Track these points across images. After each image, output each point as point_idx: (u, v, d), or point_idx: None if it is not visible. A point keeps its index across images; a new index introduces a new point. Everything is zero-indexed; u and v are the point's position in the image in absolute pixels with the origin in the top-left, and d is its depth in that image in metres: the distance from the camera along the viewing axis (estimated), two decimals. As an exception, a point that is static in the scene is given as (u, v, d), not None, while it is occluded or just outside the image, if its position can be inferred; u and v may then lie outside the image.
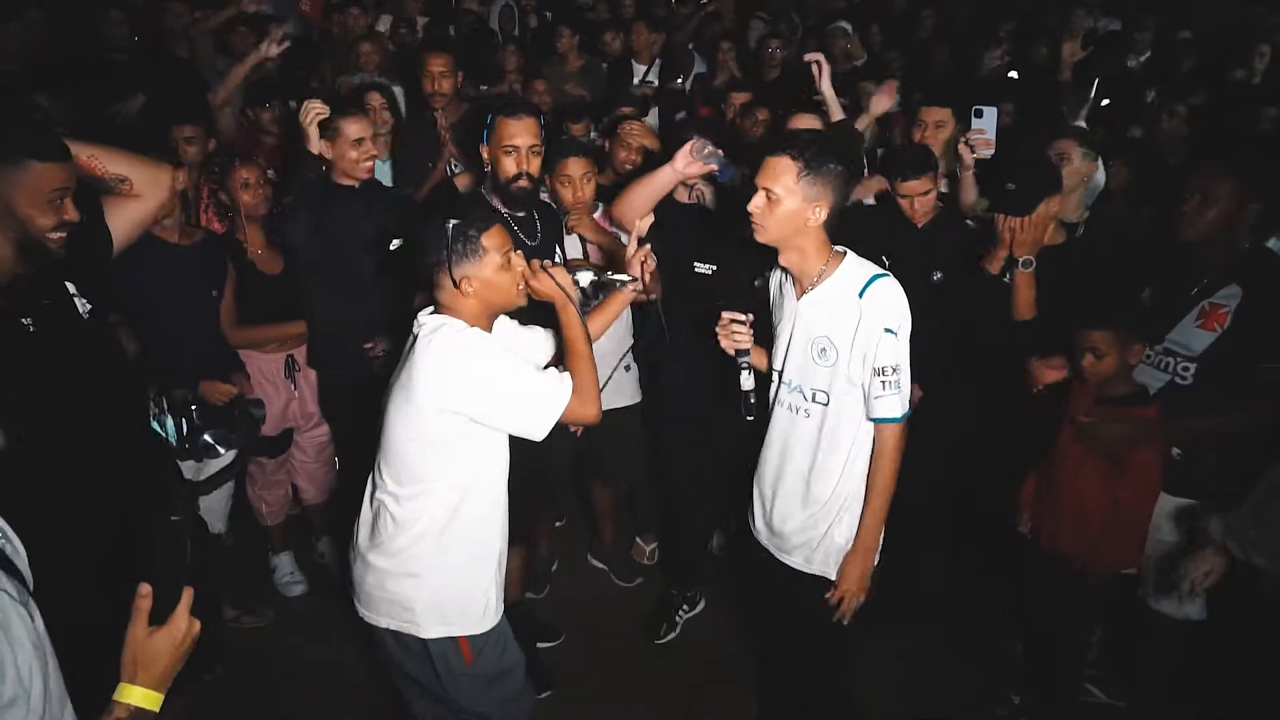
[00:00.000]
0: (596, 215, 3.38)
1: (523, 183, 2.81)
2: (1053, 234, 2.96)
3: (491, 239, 2.10)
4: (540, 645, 3.43)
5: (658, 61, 5.89)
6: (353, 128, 3.14)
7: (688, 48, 6.30)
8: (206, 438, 1.63)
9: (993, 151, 3.38)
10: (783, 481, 2.48)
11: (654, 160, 3.83)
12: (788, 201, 2.22)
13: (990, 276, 2.94)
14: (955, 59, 6.10)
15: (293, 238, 3.18)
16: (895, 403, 2.27)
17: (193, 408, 1.60)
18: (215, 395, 3.15)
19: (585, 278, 2.35)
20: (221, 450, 1.53)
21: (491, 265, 2.09)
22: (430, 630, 2.19)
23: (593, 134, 4.57)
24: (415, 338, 2.12)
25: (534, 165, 2.83)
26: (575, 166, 3.23)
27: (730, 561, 3.98)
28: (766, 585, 2.65)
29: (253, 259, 3.40)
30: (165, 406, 1.65)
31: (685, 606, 3.66)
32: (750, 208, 2.26)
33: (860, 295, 2.26)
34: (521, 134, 2.78)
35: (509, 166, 2.80)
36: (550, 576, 3.83)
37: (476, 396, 2.04)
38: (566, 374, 2.13)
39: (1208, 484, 2.78)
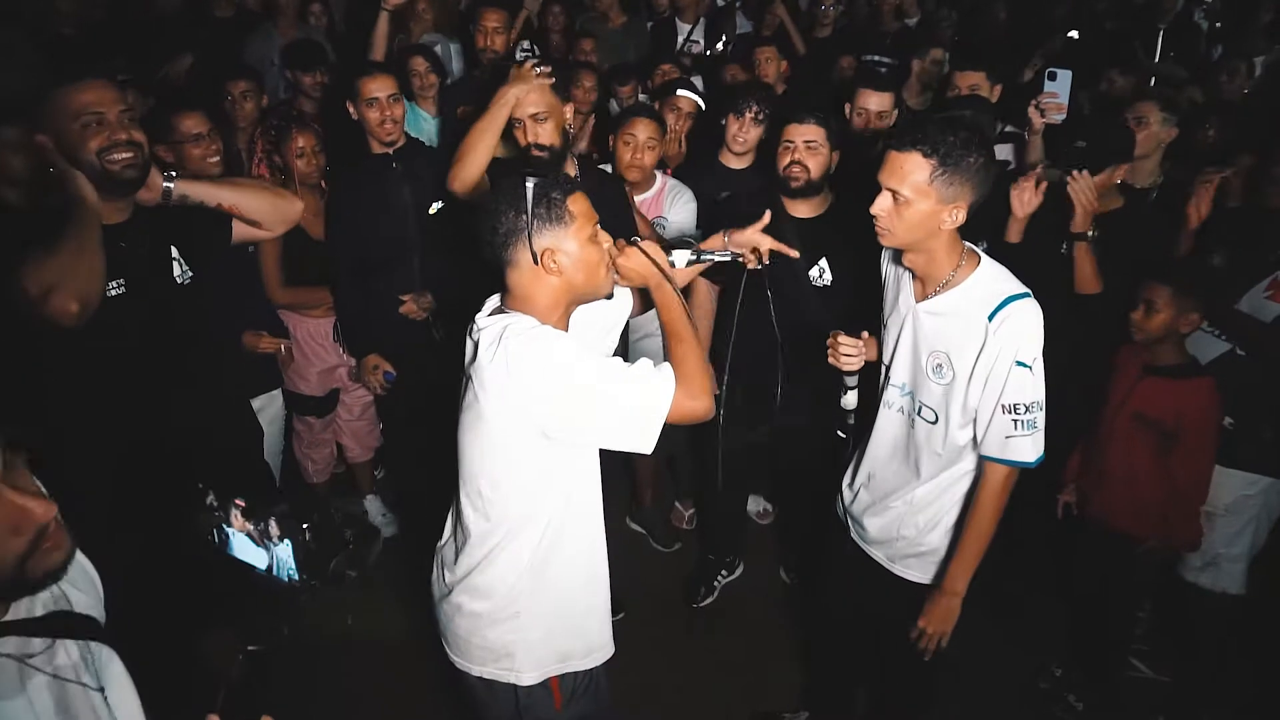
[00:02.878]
0: (650, 194, 3.30)
1: (537, 153, 2.66)
2: (1108, 200, 2.86)
3: (578, 204, 1.74)
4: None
5: (703, 21, 5.79)
6: (368, 87, 3.12)
7: (733, 6, 6.18)
8: (336, 566, 1.25)
9: (1064, 116, 3.25)
10: (880, 478, 2.32)
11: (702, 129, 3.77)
12: (919, 204, 1.93)
13: (1041, 249, 2.84)
14: (1013, 19, 5.91)
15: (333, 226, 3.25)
16: (1028, 446, 2.02)
17: (305, 526, 1.24)
18: (259, 346, 3.19)
19: (681, 257, 2.02)
20: (352, 575, 1.24)
21: (580, 235, 1.74)
22: (529, 676, 1.90)
23: (641, 96, 4.52)
24: (476, 345, 1.77)
25: (546, 133, 2.66)
26: (642, 129, 3.13)
27: (769, 529, 4.00)
28: (843, 566, 2.51)
29: (302, 223, 3.40)
30: (268, 528, 1.25)
31: (724, 572, 3.66)
32: (874, 210, 1.98)
33: (990, 318, 1.97)
34: (535, 103, 2.63)
35: (519, 138, 2.67)
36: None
37: (564, 416, 1.70)
38: (666, 365, 1.76)
39: (1266, 457, 2.72)
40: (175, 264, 2.32)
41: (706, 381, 1.76)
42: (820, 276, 2.96)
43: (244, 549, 1.27)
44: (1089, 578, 2.95)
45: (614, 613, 3.36)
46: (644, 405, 1.70)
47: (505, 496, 1.79)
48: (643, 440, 1.72)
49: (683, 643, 3.37)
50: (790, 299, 2.83)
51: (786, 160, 2.88)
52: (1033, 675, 3.18)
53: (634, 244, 1.85)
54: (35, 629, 1.11)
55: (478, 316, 1.83)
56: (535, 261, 1.72)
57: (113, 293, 2.14)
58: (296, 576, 1.24)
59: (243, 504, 1.25)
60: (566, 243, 1.73)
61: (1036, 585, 3.44)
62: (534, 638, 1.88)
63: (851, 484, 2.45)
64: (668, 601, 3.58)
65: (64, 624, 1.15)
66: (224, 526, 1.28)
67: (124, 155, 2.07)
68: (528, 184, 1.71)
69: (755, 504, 4.05)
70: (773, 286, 2.20)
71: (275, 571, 1.25)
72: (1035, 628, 3.35)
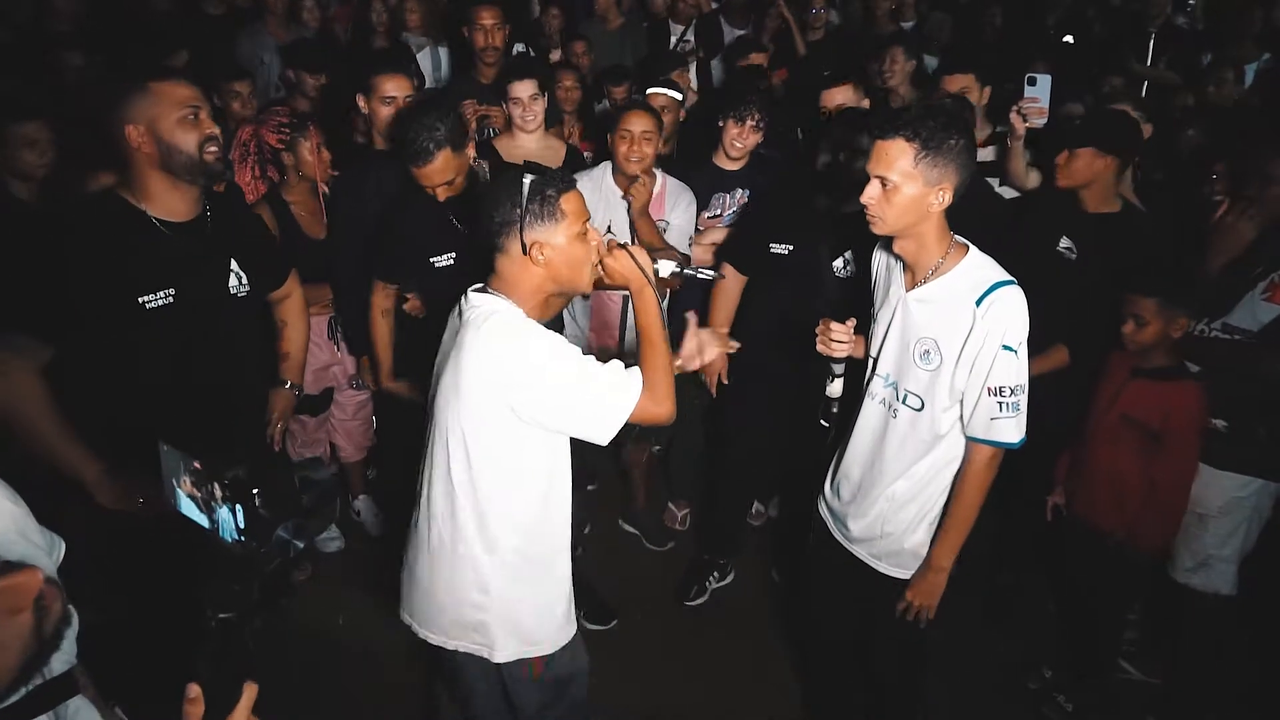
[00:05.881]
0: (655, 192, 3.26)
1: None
2: (1104, 199, 2.89)
3: (570, 203, 1.87)
4: (590, 626, 3.37)
5: (694, 22, 5.80)
6: (386, 85, 3.12)
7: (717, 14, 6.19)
8: (282, 533, 1.21)
9: (1045, 120, 3.27)
10: (860, 474, 2.35)
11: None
12: (907, 188, 1.99)
13: (1038, 253, 2.85)
14: (1009, 22, 5.93)
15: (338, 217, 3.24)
16: (1012, 426, 2.08)
17: (255, 492, 1.23)
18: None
19: (666, 267, 2.08)
20: (300, 546, 1.21)
21: (568, 232, 1.87)
22: (504, 653, 1.99)
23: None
24: (463, 321, 1.89)
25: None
26: (637, 121, 3.08)
27: (762, 531, 4.00)
28: (826, 567, 2.54)
29: (299, 220, 3.39)
30: (218, 492, 1.23)
31: (716, 574, 3.65)
32: (864, 199, 2.05)
33: (978, 303, 2.03)
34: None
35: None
36: (582, 540, 3.85)
37: (535, 400, 1.81)
38: (636, 369, 1.89)
39: (1258, 459, 2.73)
40: (233, 275, 2.36)
41: (670, 389, 1.89)
42: (844, 268, 2.98)
43: (190, 508, 1.29)
44: (1078, 579, 2.97)
45: (606, 617, 3.44)
46: (610, 403, 1.84)
47: (479, 474, 1.89)
48: (602, 433, 1.86)
49: (675, 642, 3.37)
50: (812, 286, 2.88)
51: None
52: (1022, 676, 3.19)
53: (623, 247, 1.96)
54: (15, 714, 1.07)
55: (468, 293, 1.94)
56: (524, 252, 1.86)
57: (159, 303, 2.16)
58: (238, 538, 1.25)
59: (198, 466, 1.26)
60: (555, 238, 1.87)
61: (1027, 586, 3.45)
62: (504, 616, 1.97)
63: (833, 482, 2.49)
64: (661, 601, 3.58)
65: (43, 698, 1.12)
66: (174, 486, 1.30)
67: (216, 149, 2.17)
68: (525, 180, 1.84)
69: (754, 507, 4.04)
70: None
71: (221, 532, 1.26)
72: (1025, 628, 3.37)
